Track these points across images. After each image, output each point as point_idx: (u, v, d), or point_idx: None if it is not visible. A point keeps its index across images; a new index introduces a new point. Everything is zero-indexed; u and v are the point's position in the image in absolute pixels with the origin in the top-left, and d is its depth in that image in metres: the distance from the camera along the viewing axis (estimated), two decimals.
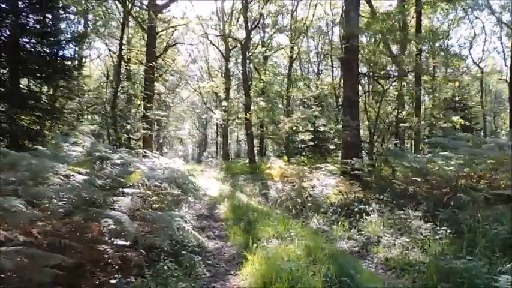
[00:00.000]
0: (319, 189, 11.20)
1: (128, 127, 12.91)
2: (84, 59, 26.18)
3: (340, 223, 7.78)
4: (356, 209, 8.47)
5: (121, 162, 5.08)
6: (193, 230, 7.22)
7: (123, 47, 13.74)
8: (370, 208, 8.22)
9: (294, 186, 13.04)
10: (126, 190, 4.13)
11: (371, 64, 12.99)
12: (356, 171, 10.48)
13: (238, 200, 10.56)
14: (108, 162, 5.01)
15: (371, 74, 13.35)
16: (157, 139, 34.17)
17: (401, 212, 7.52)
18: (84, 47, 28.87)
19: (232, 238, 6.75)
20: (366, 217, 7.79)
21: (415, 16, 17.80)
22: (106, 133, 12.63)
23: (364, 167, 11.25)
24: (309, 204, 9.23)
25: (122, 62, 18.37)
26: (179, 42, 18.89)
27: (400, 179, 9.74)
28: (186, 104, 40.82)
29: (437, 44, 20.94)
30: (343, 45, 12.53)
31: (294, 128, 13.62)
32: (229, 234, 7.05)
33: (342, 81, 12.66)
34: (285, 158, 18.20)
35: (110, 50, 27.32)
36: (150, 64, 13.67)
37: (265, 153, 30.22)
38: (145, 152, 8.05)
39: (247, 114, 17.82)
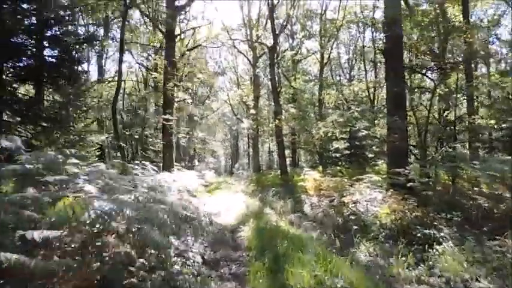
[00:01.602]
0: (364, 205, 8.94)
1: (137, 136, 11.24)
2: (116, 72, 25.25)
3: (400, 255, 5.52)
4: (419, 235, 6.16)
5: (57, 181, 3.17)
6: (203, 265, 5.23)
7: (124, 42, 11.83)
8: (441, 234, 5.87)
9: (332, 201, 10.79)
10: (31, 234, 2.17)
11: (418, 55, 10.63)
12: (410, 183, 8.12)
13: (266, 220, 8.46)
14: (41, 181, 3.13)
15: (418, 66, 10.94)
16: (187, 151, 32.72)
17: (494, 242, 5.14)
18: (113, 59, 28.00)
19: (252, 282, 4.64)
20: (437, 247, 5.49)
21: (458, 5, 15.29)
22: (124, 144, 10.84)
23: (417, 177, 8.90)
24: (355, 227, 6.96)
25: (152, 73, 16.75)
26: (200, 45, 17.13)
27: (475, 193, 7.30)
28: (216, 115, 39.25)
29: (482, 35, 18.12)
30: (384, 35, 10.30)
31: (329, 134, 11.42)
32: (248, 274, 4.94)
33: (385, 77, 10.39)
34: (320, 168, 15.99)
35: (138, 63, 26.30)
36: (166, 64, 11.91)
37: (298, 164, 27.89)
38: (143, 165, 6.14)
39: (277, 121, 15.75)
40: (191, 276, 4.33)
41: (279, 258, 5.12)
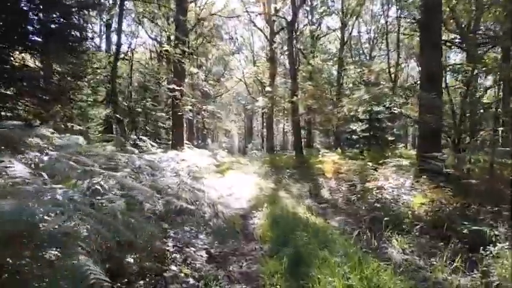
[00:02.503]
0: (390, 192, 7.88)
1: (139, 109, 10.27)
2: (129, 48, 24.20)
3: (444, 255, 4.51)
4: (465, 231, 5.13)
5: None
6: (208, 262, 4.32)
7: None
8: (496, 232, 4.82)
9: (352, 186, 9.78)
10: None
11: (458, 26, 9.29)
12: (448, 170, 7.03)
13: (282, 205, 7.50)
14: None
15: (455, 41, 9.63)
16: (200, 130, 31.88)
17: None
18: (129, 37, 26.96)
19: None
20: (491, 248, 4.45)
21: None
22: (122, 117, 9.85)
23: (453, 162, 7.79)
24: (385, 219, 5.93)
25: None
26: (214, 14, 15.83)
27: None
28: (231, 95, 38.17)
29: None
30: (420, 1, 9.00)
31: (352, 112, 10.29)
32: (262, 276, 4.00)
33: (419, 50, 9.15)
34: (339, 150, 14.93)
35: (151, 38, 25.23)
36: (178, 36, 10.80)
37: (313, 145, 26.77)
38: (142, 141, 5.19)
39: (295, 97, 14.63)
40: (191, 279, 3.41)
41: (300, 257, 4.16)
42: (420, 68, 9.18)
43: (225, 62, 32.36)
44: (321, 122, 25.15)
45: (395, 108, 9.33)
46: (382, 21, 26.25)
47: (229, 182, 11.30)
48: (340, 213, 7.60)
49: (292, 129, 18.30)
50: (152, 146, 5.32)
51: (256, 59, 32.38)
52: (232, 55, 32.30)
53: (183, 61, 10.78)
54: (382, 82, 8.34)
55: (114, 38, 19.54)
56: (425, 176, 7.51)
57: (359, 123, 18.45)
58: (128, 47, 24.27)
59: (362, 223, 6.51)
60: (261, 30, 24.64)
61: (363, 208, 7.74)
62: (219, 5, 19.06)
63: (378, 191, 8.16)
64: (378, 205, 7.56)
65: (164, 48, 14.09)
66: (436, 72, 8.72)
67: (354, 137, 19.49)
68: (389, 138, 18.20)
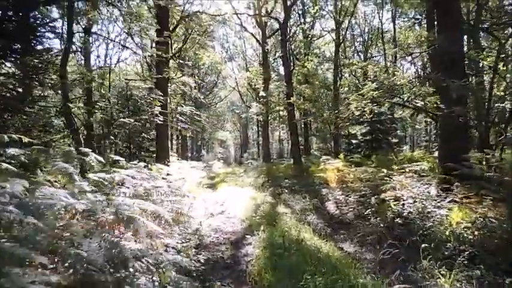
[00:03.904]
0: (412, 204, 6.29)
1: (100, 114, 8.67)
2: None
3: None
4: None
5: None
6: None
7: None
8: None
9: (363, 197, 8.15)
10: None
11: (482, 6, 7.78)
12: (488, 174, 5.45)
13: (282, 228, 5.86)
14: None
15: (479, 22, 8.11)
16: (195, 141, 30.28)
17: None
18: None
19: None
20: None
21: None
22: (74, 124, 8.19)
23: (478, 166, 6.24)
24: (423, 245, 4.30)
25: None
26: (198, 11, 14.13)
27: None
28: (225, 104, 36.62)
29: None
30: None
31: (358, 112, 8.66)
32: None
33: (437, 33, 7.61)
34: (342, 156, 13.36)
35: (139, 47, 23.73)
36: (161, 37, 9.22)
37: (311, 152, 25.13)
38: (84, 154, 3.60)
39: (291, 99, 13.07)
40: None
41: None
42: (429, 57, 7.62)
43: (217, 71, 30.91)
44: (318, 128, 23.64)
45: (416, 100, 7.72)
46: (375, 22, 25.11)
47: (222, 197, 9.75)
48: (354, 234, 5.98)
49: (290, 135, 16.71)
50: (99, 161, 3.73)
51: (249, 66, 30.96)
52: (225, 63, 30.87)
53: (160, 54, 9.19)
54: (396, 72, 6.88)
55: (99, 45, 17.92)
56: (458, 183, 5.93)
57: (359, 126, 16.92)
58: (118, 58, 22.78)
59: (387, 248, 4.88)
60: (252, 35, 23.19)
61: (381, 226, 6.14)
62: (206, 7, 17.64)
63: (396, 203, 6.58)
64: (400, 221, 5.99)
65: (148, 54, 12.56)
66: (457, 58, 7.20)
67: (354, 141, 17.93)
68: (393, 141, 16.68)
